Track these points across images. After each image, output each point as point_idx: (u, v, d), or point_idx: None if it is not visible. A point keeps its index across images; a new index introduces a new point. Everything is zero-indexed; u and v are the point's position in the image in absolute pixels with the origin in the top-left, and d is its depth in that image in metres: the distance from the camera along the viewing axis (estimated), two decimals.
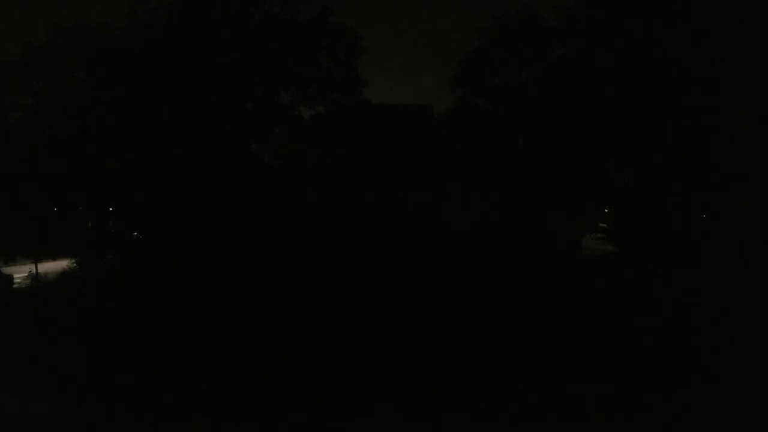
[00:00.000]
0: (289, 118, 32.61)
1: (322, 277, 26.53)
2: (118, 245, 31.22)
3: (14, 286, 31.90)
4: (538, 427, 13.76)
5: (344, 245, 28.90)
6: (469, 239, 30.92)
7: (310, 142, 32.84)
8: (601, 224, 34.59)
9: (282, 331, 20.28)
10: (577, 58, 32.55)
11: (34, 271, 33.56)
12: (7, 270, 33.42)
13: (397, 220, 30.54)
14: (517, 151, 35.74)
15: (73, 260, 31.61)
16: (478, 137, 35.20)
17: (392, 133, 33.59)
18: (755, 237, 26.93)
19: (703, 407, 14.08)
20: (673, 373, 16.53)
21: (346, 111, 32.98)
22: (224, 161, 29.86)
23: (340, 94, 32.66)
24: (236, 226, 28.48)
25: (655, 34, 29.80)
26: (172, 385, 16.27)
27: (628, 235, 31.56)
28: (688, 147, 29.14)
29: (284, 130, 33.03)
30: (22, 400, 15.57)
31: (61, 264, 33.38)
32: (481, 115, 36.06)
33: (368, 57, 47.48)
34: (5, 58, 34.97)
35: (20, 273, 34.17)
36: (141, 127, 29.63)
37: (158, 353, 18.61)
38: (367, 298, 23.97)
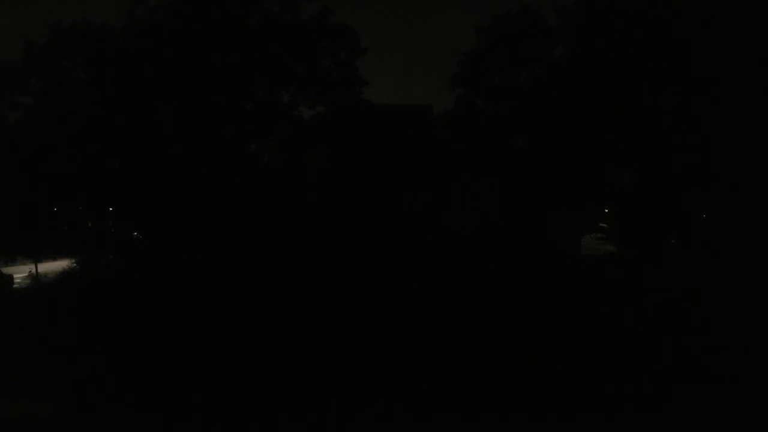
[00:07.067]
0: (289, 118, 32.60)
1: (322, 277, 26.51)
2: (118, 245, 31.23)
3: (14, 286, 31.92)
4: (539, 427, 13.77)
5: (344, 245, 28.87)
6: (470, 239, 30.89)
7: (310, 142, 32.82)
8: (601, 224, 34.55)
9: (281, 331, 20.27)
10: (577, 58, 32.54)
11: (34, 271, 33.58)
12: (7, 270, 33.45)
13: (397, 220, 30.52)
14: (517, 151, 35.71)
15: (73, 260, 31.63)
16: (478, 137, 35.19)
17: (392, 133, 33.57)
18: (755, 236, 26.91)
19: (703, 406, 14.09)
20: (673, 372, 16.53)
21: (346, 111, 32.98)
22: (224, 161, 29.85)
23: (340, 94, 32.64)
24: (236, 225, 28.47)
25: (654, 34, 29.79)
26: (171, 385, 16.27)
27: (628, 235, 31.54)
28: (688, 147, 29.12)
29: (284, 130, 33.00)
30: (22, 400, 15.58)
31: (61, 264, 33.40)
32: (481, 115, 36.05)
33: (368, 57, 47.59)
34: (5, 58, 35.07)
35: (20, 273, 34.21)
36: (141, 127, 29.63)
37: (158, 353, 18.61)
38: (366, 298, 23.96)
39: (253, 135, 32.62)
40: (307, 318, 21.45)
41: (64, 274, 31.63)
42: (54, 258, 35.55)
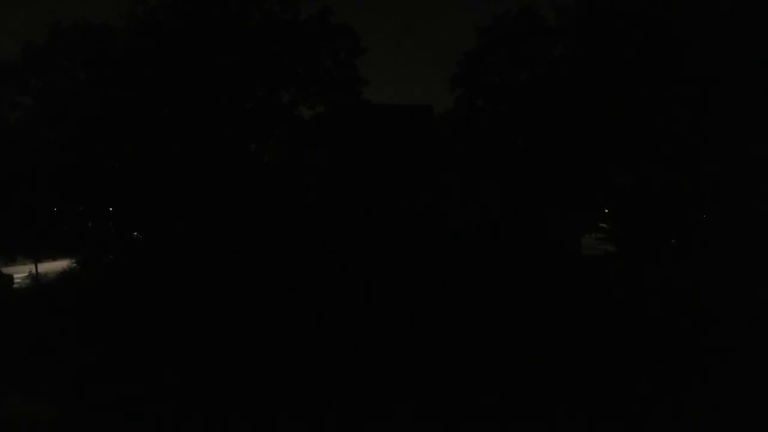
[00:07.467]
0: (289, 118, 32.61)
1: (322, 277, 26.52)
2: (118, 245, 31.22)
3: (14, 286, 31.92)
4: (539, 427, 13.77)
5: (344, 245, 28.88)
6: (470, 239, 30.90)
7: (310, 142, 32.82)
8: (601, 224, 34.56)
9: (281, 331, 20.27)
10: (577, 58, 32.55)
11: (34, 271, 33.58)
12: (7, 270, 33.45)
13: (397, 220, 30.52)
14: (517, 151, 35.72)
15: (73, 260, 31.62)
16: (478, 137, 35.18)
17: (392, 133, 33.57)
18: (755, 236, 26.91)
19: (703, 406, 14.10)
20: (673, 372, 16.53)
21: (346, 111, 32.98)
22: (224, 161, 29.85)
23: (340, 94, 32.64)
24: (236, 225, 28.48)
25: (654, 34, 29.80)
26: (171, 385, 16.27)
27: (628, 235, 31.53)
28: (688, 147, 29.12)
29: (284, 130, 33.01)
30: (22, 400, 15.59)
31: (61, 264, 33.41)
32: (481, 115, 36.05)
33: (368, 57, 47.61)
34: (5, 58, 35.10)
35: (20, 273, 34.21)
36: (141, 127, 29.63)
37: (158, 353, 18.62)
38: (366, 298, 23.97)
39: (253, 135, 32.62)
40: (307, 318, 21.46)
41: (64, 274, 31.65)
42: (54, 258, 35.56)
